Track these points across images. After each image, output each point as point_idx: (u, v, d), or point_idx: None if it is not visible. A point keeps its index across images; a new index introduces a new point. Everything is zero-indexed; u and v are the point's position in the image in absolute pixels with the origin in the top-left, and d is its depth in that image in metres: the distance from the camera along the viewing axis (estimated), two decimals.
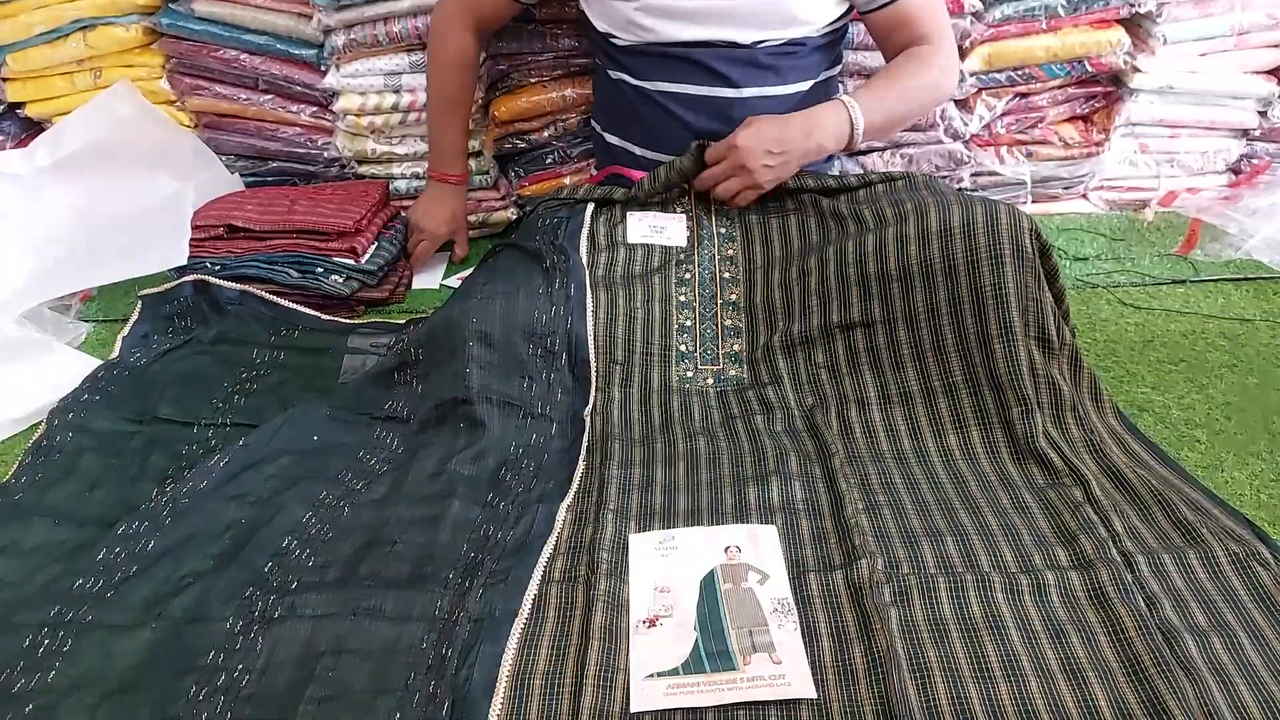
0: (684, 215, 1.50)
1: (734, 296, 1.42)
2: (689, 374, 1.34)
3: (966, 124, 1.84)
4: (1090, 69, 1.81)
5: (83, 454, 1.28)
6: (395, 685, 0.92)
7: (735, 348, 1.37)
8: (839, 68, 1.65)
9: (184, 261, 1.59)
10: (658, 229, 1.48)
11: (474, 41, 1.66)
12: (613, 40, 1.56)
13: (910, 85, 1.54)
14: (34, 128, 1.92)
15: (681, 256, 1.45)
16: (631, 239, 1.46)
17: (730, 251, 1.46)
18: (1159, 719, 0.85)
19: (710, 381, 1.34)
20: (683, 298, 1.41)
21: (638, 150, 1.63)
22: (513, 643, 0.94)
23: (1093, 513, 1.08)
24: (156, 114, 1.82)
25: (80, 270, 1.63)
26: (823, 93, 1.60)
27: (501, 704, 0.89)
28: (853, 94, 1.49)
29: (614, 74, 1.60)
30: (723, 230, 1.49)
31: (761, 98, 1.53)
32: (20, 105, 1.88)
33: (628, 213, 1.50)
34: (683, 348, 1.37)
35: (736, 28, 1.49)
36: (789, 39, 1.51)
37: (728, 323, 1.39)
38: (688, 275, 1.43)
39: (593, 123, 1.76)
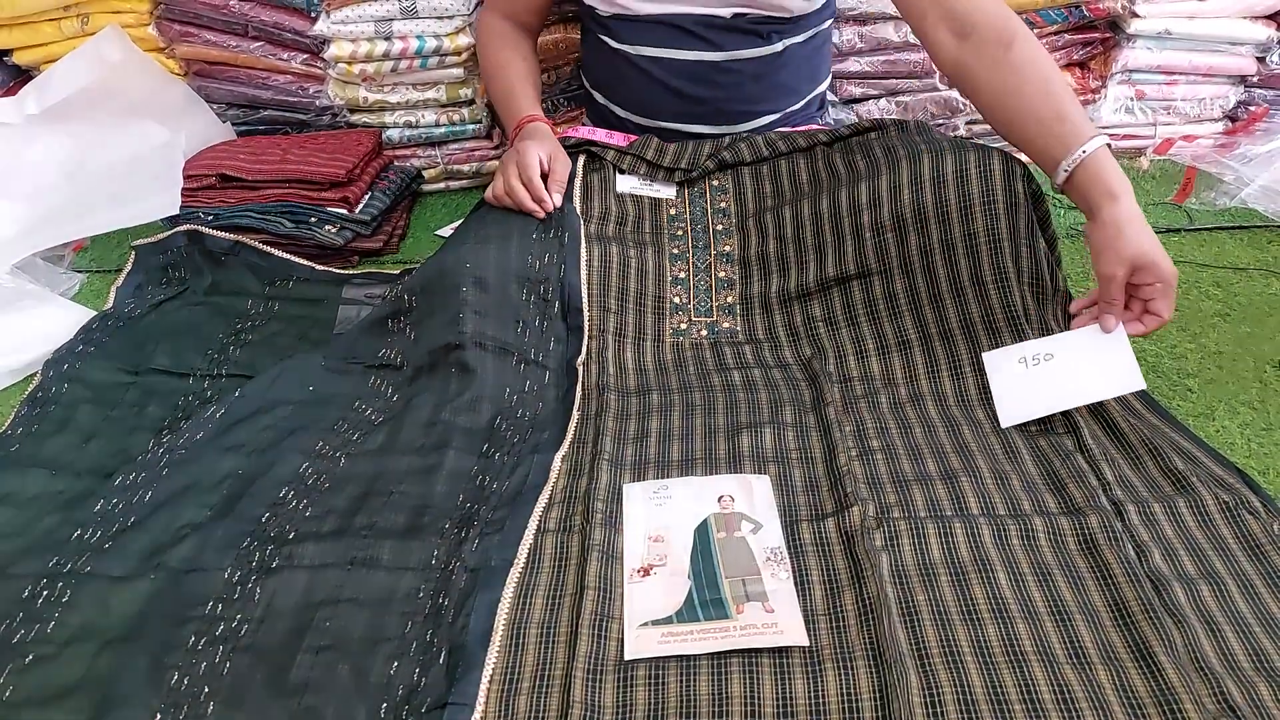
0: (673, 183, 1.49)
1: (728, 248, 1.41)
2: (683, 326, 1.34)
3: None
4: (1087, 14, 1.80)
5: (78, 405, 1.28)
6: (392, 634, 0.93)
7: (729, 300, 1.37)
8: (830, 20, 1.62)
9: (176, 211, 1.58)
10: (647, 182, 1.48)
11: (512, 27, 1.64)
12: (594, 9, 1.54)
13: (1057, 77, 1.27)
14: (22, 75, 1.90)
15: (673, 212, 1.45)
16: (620, 189, 1.46)
17: (723, 204, 1.45)
18: (1145, 661, 0.87)
19: (704, 334, 1.34)
20: (676, 250, 1.41)
21: (620, 112, 1.62)
22: (508, 592, 0.95)
23: (1083, 461, 1.09)
24: (146, 61, 1.80)
25: (72, 220, 1.62)
26: (813, 46, 1.57)
27: (498, 653, 0.90)
28: (1075, 129, 1.20)
29: (598, 36, 1.58)
30: (715, 184, 1.48)
31: (748, 59, 1.51)
32: (7, 52, 1.86)
33: (617, 173, 1.49)
34: (677, 300, 1.36)
35: (716, 6, 1.47)
36: (767, 16, 1.49)
37: (721, 274, 1.39)
38: (679, 231, 1.43)
39: (582, 76, 1.74)
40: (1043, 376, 1.16)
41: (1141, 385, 1.13)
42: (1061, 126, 1.20)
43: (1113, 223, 1.15)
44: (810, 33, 1.55)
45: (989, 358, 1.21)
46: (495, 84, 1.64)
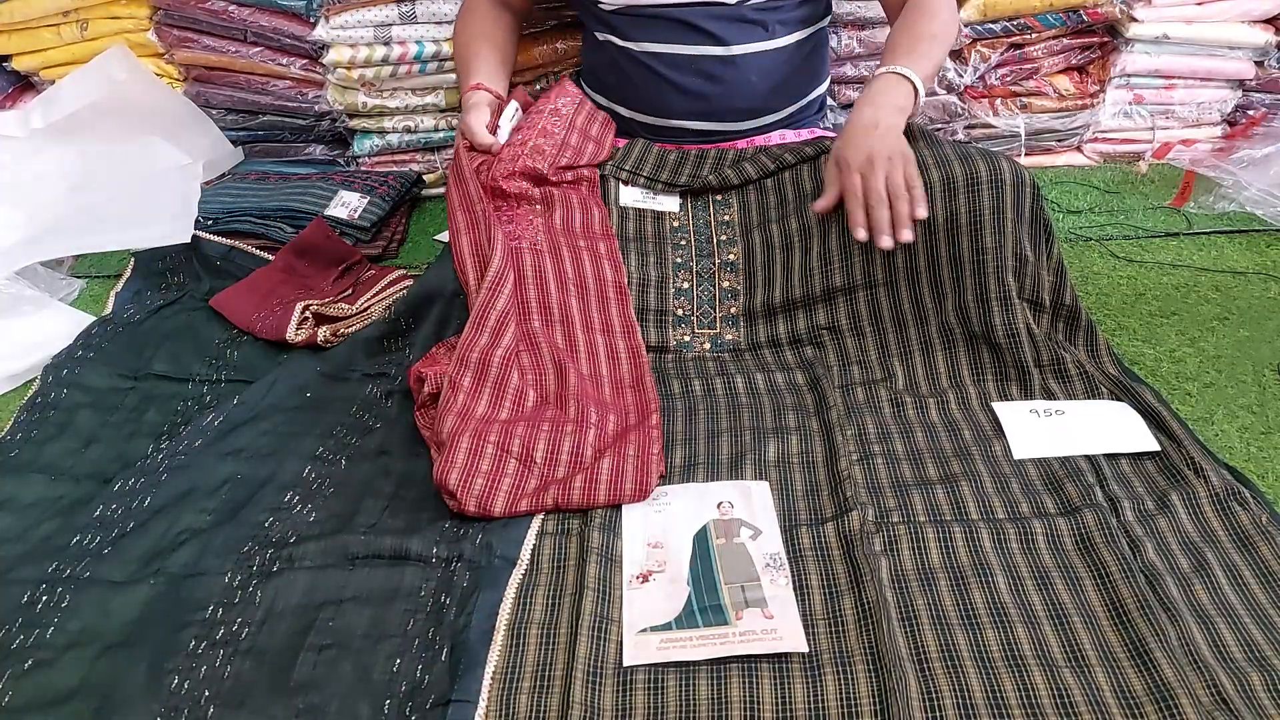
0: (676, 194, 1.49)
1: (732, 257, 1.40)
2: (686, 338, 1.34)
3: (960, 75, 1.82)
4: (1086, 19, 1.80)
5: (78, 410, 1.28)
6: (394, 631, 0.93)
7: (733, 311, 1.36)
8: (828, 18, 1.63)
9: (188, 240, 1.56)
10: (650, 195, 1.48)
11: (492, 4, 1.63)
12: (600, 3, 1.54)
13: (936, 32, 1.46)
14: (21, 81, 1.90)
15: (676, 224, 1.44)
16: (624, 202, 1.46)
17: (726, 217, 1.45)
18: (1141, 659, 0.88)
19: (707, 347, 1.33)
20: (679, 259, 1.40)
21: (625, 112, 1.61)
22: (510, 592, 0.96)
23: (1081, 458, 1.10)
24: (153, 79, 1.81)
25: (77, 234, 1.61)
26: (812, 44, 1.58)
27: (499, 653, 0.90)
28: (896, 60, 1.39)
29: (601, 35, 1.58)
30: (719, 198, 1.47)
31: (751, 54, 1.51)
32: (6, 58, 1.87)
33: (620, 185, 1.49)
34: (679, 312, 1.36)
35: None
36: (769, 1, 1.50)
37: (725, 284, 1.38)
38: (683, 241, 1.42)
39: (581, 83, 1.74)
40: (1055, 425, 1.16)
41: (1155, 447, 1.12)
42: (894, 55, 1.42)
43: (847, 124, 1.35)
44: (810, 29, 1.56)
45: (999, 408, 1.20)
46: (458, 62, 1.65)
